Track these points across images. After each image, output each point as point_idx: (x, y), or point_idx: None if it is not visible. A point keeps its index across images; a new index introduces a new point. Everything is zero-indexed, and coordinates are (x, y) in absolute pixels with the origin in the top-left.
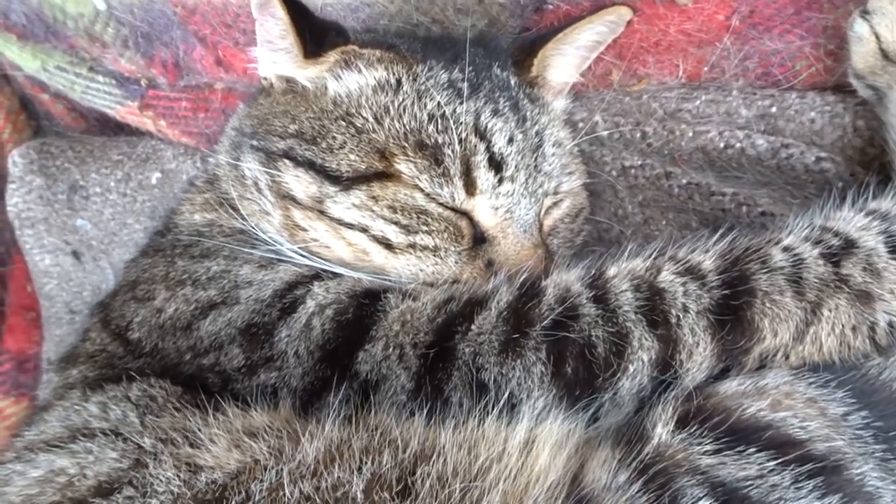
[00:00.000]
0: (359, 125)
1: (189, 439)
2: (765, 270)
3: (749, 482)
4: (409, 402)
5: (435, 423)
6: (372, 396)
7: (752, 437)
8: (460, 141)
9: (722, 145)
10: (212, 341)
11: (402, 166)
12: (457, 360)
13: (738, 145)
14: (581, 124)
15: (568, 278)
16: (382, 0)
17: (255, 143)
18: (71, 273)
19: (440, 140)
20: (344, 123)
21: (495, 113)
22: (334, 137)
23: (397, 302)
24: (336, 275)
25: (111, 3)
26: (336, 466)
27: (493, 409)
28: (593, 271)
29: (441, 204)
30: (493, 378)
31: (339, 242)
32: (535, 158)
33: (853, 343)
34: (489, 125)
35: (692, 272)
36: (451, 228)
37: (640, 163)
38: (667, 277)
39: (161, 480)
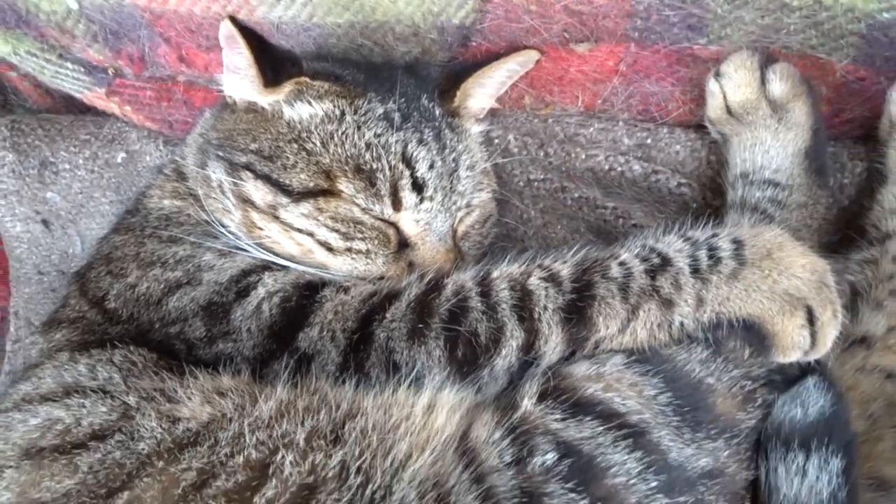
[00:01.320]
0: (308, 148)
1: (167, 397)
2: (604, 280)
3: (584, 441)
4: (337, 373)
5: (360, 391)
6: (309, 366)
7: (588, 409)
8: (390, 167)
9: (607, 167)
10: (178, 314)
11: (343, 186)
12: (374, 343)
13: (619, 168)
14: (497, 141)
15: (464, 277)
16: (331, 23)
17: (220, 153)
18: (40, 239)
19: (374, 166)
20: (296, 146)
21: (420, 142)
22: (287, 157)
23: (332, 295)
24: (284, 267)
25: (83, 3)
26: (284, 420)
27: (403, 380)
28: (482, 273)
29: (373, 216)
30: (403, 359)
31: (290, 242)
32: (451, 181)
33: (658, 336)
34: (414, 154)
35: (553, 279)
36: (381, 236)
37: (542, 177)
38: (534, 281)
39: (146, 428)
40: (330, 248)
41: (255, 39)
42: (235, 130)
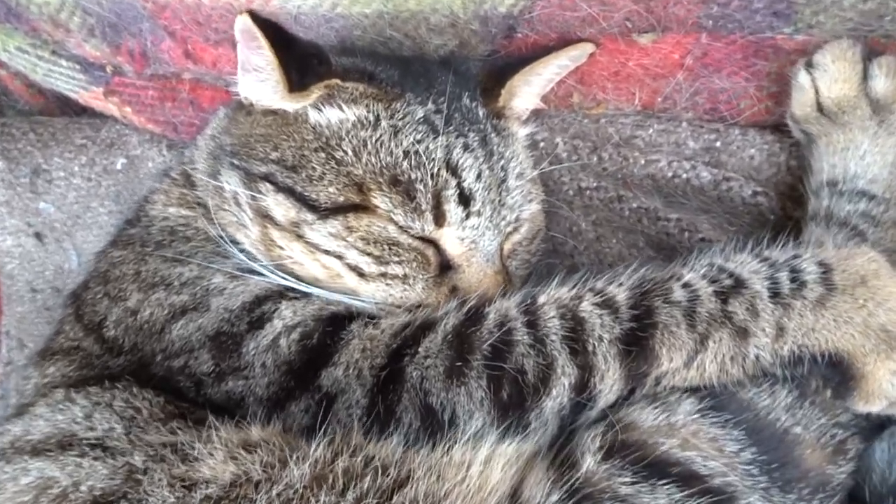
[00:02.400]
0: (338, 157)
1: (181, 455)
2: (666, 305)
3: None
4: (364, 417)
5: (407, 448)
6: (331, 407)
7: (664, 471)
8: (432, 177)
9: (670, 174)
10: (182, 345)
11: (378, 201)
12: (406, 384)
13: (684, 175)
14: (542, 144)
15: (507, 304)
16: (357, 13)
17: (235, 161)
18: (33, 254)
19: (413, 176)
20: (324, 155)
21: (466, 148)
22: (314, 168)
23: (360, 331)
24: (303, 293)
25: None
26: (323, 492)
27: (456, 437)
28: (528, 299)
29: (412, 235)
30: (439, 402)
31: (314, 264)
32: (500, 192)
33: (730, 370)
34: (460, 161)
35: (608, 304)
36: (420, 257)
37: (595, 185)
38: (587, 308)
39: (157, 498)
40: (361, 274)
41: (277, 36)
42: (252, 136)
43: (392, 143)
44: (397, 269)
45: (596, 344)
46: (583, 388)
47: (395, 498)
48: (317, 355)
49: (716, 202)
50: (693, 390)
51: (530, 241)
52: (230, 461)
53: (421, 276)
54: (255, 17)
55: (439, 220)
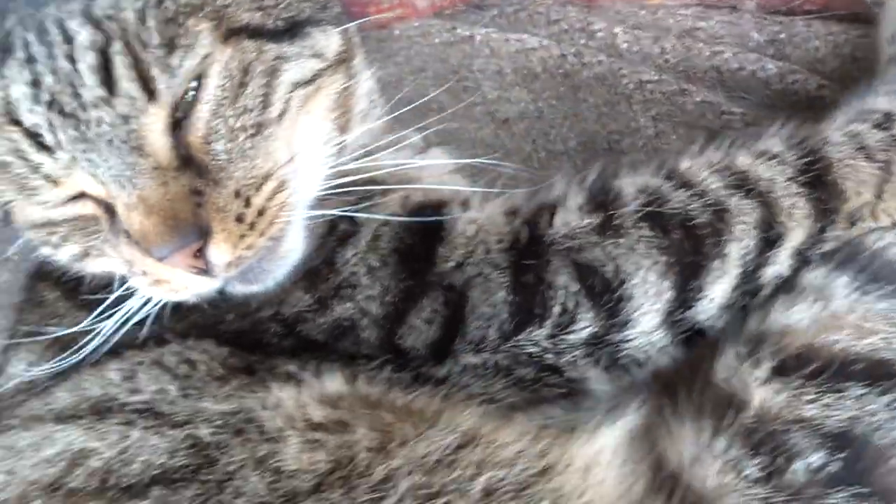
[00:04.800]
0: None
1: (257, 426)
2: (830, 145)
3: (854, 420)
4: (509, 316)
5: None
6: (462, 322)
7: (847, 371)
8: (6, 138)
9: (735, 66)
10: (264, 300)
11: (3, 191)
12: (549, 248)
13: (749, 68)
14: (600, 34)
15: (635, 179)
16: None
17: None
18: None
19: (1, 149)
20: None
21: (21, 68)
22: None
23: (459, 213)
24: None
25: None
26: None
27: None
28: (663, 169)
29: (56, 205)
30: (595, 259)
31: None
32: (75, 92)
33: None
34: (14, 94)
35: (766, 154)
36: (80, 222)
37: (656, 78)
38: (745, 161)
39: (241, 481)
40: (77, 260)
41: None
42: None
43: None
44: (74, 249)
45: (769, 184)
46: (769, 227)
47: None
48: (424, 235)
49: (779, 95)
50: (838, 264)
51: (234, 97)
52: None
53: (97, 240)
54: None
55: (49, 178)
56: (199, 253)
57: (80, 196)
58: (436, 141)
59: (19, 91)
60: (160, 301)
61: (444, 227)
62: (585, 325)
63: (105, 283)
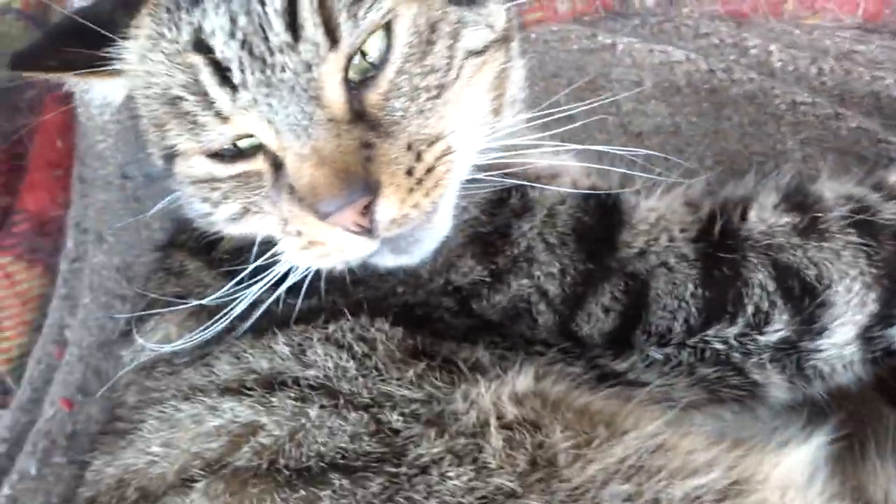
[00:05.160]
0: (145, 113)
1: (455, 418)
2: None
3: None
4: (697, 310)
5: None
6: (646, 298)
7: None
8: (185, 68)
9: None
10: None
11: (169, 133)
12: (745, 242)
13: None
14: (754, 51)
15: (835, 185)
16: None
17: None
18: (130, 132)
19: (176, 82)
20: (144, 119)
21: (218, 5)
22: (147, 136)
23: (638, 200)
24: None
25: None
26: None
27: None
28: (869, 180)
29: (224, 160)
30: (798, 259)
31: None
32: (264, 35)
33: None
34: (208, 27)
35: None
36: (244, 178)
37: (810, 100)
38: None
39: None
40: (233, 220)
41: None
42: None
43: (158, 56)
44: (231, 206)
45: None
46: None
47: None
48: (602, 216)
49: None
50: None
51: (422, 55)
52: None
53: (259, 195)
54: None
55: (220, 114)
56: (366, 210)
57: (253, 151)
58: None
59: (216, 23)
60: (304, 270)
61: (624, 211)
62: (779, 328)
63: (239, 252)
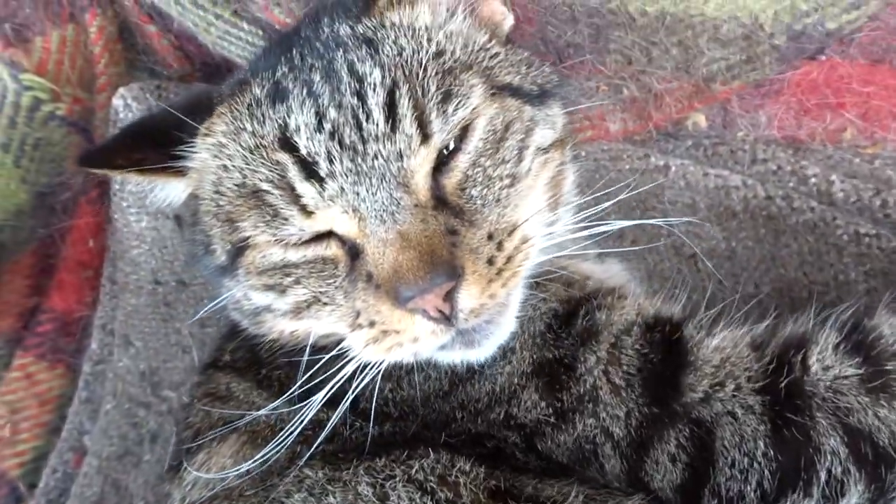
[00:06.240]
0: (213, 208)
1: None
2: None
3: None
4: (771, 473)
5: None
6: (712, 447)
7: None
8: (271, 165)
9: None
10: (491, 394)
11: (243, 225)
12: (810, 400)
13: None
14: (814, 180)
15: (893, 320)
16: (635, 10)
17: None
18: (167, 239)
19: (259, 176)
20: (209, 217)
21: (304, 102)
22: (210, 232)
23: (702, 336)
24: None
25: None
26: None
27: None
28: None
29: (298, 244)
30: (869, 423)
31: (291, 325)
32: (358, 125)
33: None
34: (293, 124)
35: None
36: (321, 265)
37: (874, 231)
38: None
39: None
40: (295, 313)
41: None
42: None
43: (237, 150)
44: (301, 293)
45: None
46: None
47: None
48: (667, 354)
49: None
50: None
51: (497, 142)
52: None
53: (331, 284)
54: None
55: (304, 210)
56: (447, 297)
57: (326, 236)
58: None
59: (301, 120)
60: (369, 369)
61: (688, 351)
62: (853, 497)
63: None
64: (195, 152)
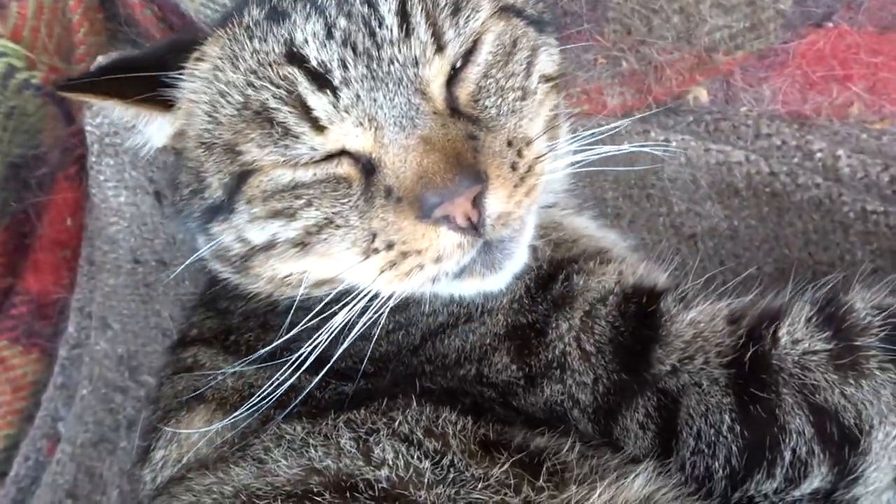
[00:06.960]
0: (207, 139)
1: None
2: None
3: None
4: (738, 450)
5: None
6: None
7: None
8: (279, 80)
9: None
10: (459, 352)
11: (246, 148)
12: (776, 375)
13: None
14: (819, 155)
15: (865, 295)
16: None
17: (189, 222)
18: (146, 216)
19: (263, 95)
20: (201, 150)
21: (309, 16)
22: (202, 169)
23: (678, 309)
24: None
25: None
26: None
27: None
28: None
29: (309, 163)
30: (834, 401)
31: (285, 266)
32: (371, 32)
33: None
34: (300, 37)
35: None
36: (332, 184)
37: (882, 209)
38: None
39: None
40: (301, 245)
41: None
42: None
43: (236, 72)
44: (312, 215)
45: None
46: None
47: None
48: (638, 326)
49: None
50: None
51: (506, 57)
52: None
53: (346, 204)
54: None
55: (318, 122)
56: (475, 203)
57: (337, 155)
58: None
59: (310, 30)
60: (371, 315)
61: (661, 325)
62: (816, 479)
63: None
64: (186, 81)
